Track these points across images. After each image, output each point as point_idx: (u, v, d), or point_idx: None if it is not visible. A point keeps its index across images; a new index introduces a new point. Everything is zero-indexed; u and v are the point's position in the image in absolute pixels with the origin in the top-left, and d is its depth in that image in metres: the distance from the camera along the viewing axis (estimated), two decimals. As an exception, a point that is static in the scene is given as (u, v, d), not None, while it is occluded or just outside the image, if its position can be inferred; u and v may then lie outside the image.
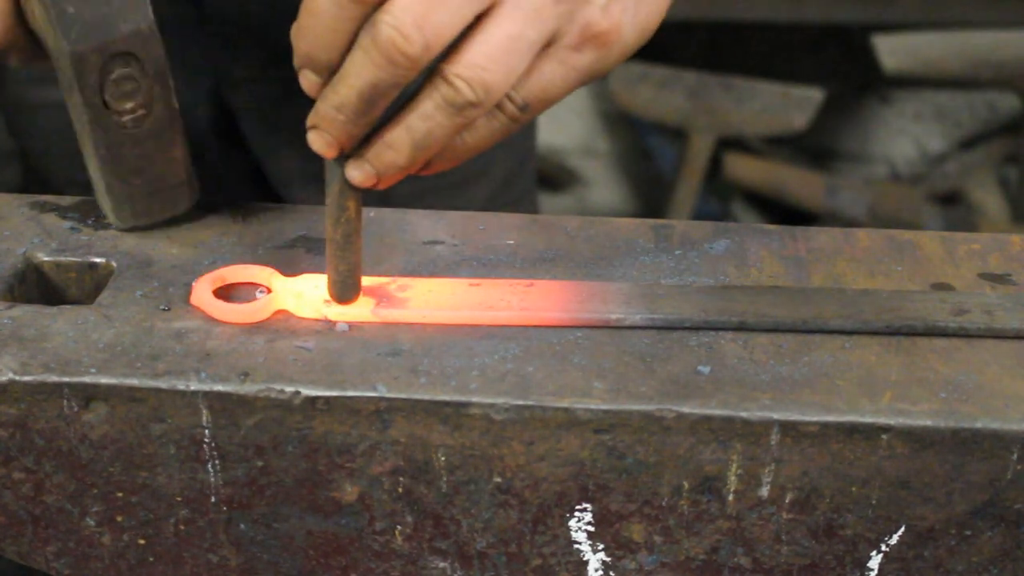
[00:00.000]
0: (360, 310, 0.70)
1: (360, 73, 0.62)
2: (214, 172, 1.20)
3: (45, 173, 1.19)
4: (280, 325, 0.69)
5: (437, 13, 0.60)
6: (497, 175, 1.22)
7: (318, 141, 0.65)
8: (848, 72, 3.00)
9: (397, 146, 0.64)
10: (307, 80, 0.64)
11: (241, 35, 1.11)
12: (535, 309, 0.70)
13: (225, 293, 0.72)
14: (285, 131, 1.16)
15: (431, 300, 0.71)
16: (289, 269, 0.74)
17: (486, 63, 0.62)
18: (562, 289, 0.72)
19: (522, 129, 1.02)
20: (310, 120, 0.65)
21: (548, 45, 0.65)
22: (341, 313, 0.70)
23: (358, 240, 0.68)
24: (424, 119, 0.64)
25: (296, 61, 0.64)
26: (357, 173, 0.65)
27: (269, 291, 0.72)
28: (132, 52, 0.72)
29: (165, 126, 0.75)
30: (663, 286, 0.73)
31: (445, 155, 0.67)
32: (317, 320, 0.70)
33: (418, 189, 1.16)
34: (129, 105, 0.73)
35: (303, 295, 0.71)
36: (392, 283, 0.73)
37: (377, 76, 0.61)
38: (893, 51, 2.69)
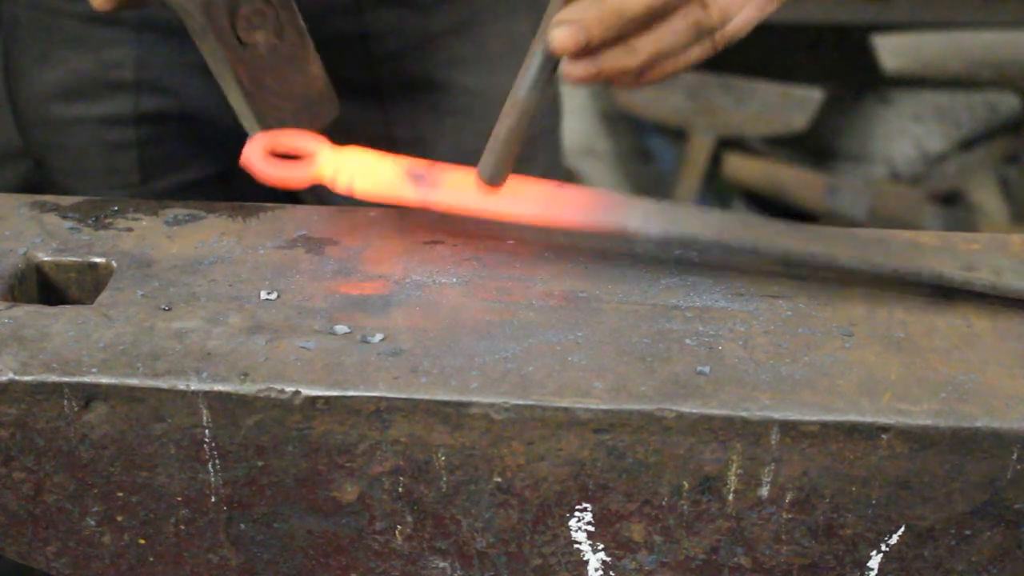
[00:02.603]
0: (395, 189, 0.75)
1: None
2: (242, 182, 1.20)
3: (71, 192, 1.19)
4: (281, 324, 0.69)
5: None
6: (541, 161, 1.24)
7: (568, 37, 0.67)
8: (848, 72, 2.99)
9: (639, 52, 0.69)
10: (569, 34, 0.67)
11: None
12: (559, 209, 0.74)
13: (276, 158, 0.77)
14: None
15: (464, 188, 0.74)
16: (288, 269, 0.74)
17: None
18: (589, 195, 0.75)
19: (555, 116, 1.05)
20: (569, 15, 0.67)
21: None
22: (372, 190, 0.75)
23: (527, 131, 0.72)
24: (673, 35, 0.69)
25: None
26: (580, 70, 0.69)
27: (316, 158, 0.77)
28: None
29: (298, 48, 0.78)
30: (684, 207, 0.77)
31: (658, 80, 0.71)
32: (346, 194, 0.76)
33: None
34: (262, 36, 0.76)
35: (345, 168, 0.75)
36: (430, 166, 0.76)
37: None
38: (893, 51, 2.69)
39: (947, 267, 0.71)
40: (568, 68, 0.69)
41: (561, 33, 0.67)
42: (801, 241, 0.72)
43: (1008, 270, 0.72)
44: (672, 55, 0.70)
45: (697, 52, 0.71)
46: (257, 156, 0.76)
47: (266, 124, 0.79)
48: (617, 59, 0.69)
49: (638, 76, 0.71)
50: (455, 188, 0.74)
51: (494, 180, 0.73)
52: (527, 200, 0.74)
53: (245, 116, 0.81)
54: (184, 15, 0.77)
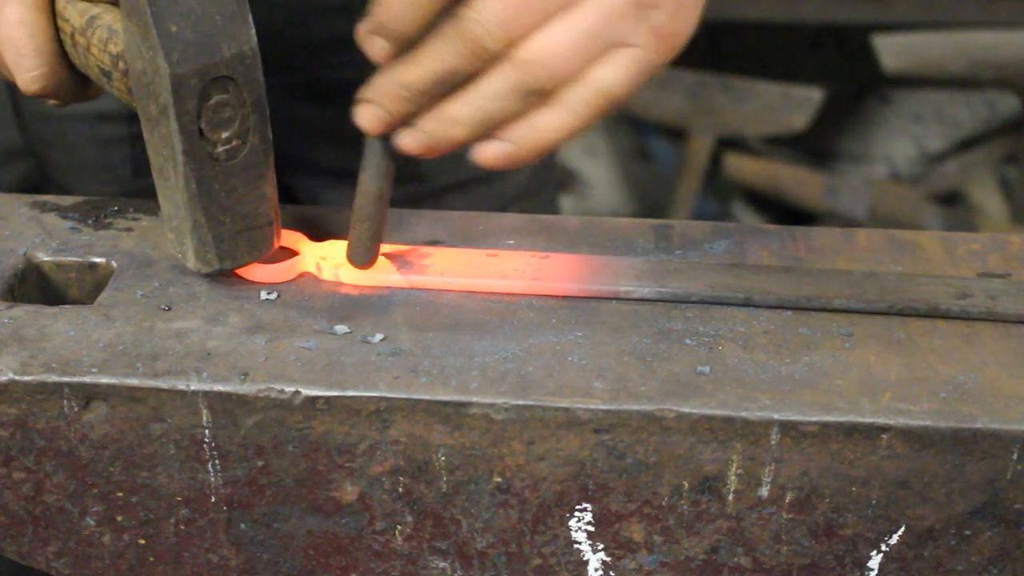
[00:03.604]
0: (380, 275, 0.73)
1: (439, 58, 0.64)
2: None
3: (66, 184, 1.19)
4: (281, 324, 0.69)
5: (522, 16, 0.64)
6: (529, 164, 1.24)
7: (369, 116, 0.66)
8: (848, 72, 3.00)
9: (461, 121, 0.66)
10: (377, 46, 0.65)
11: (266, 39, 1.11)
12: (547, 280, 0.73)
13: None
14: (310, 132, 1.16)
15: (450, 268, 0.74)
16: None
17: (562, 53, 0.65)
18: (575, 262, 0.75)
19: None
20: (365, 94, 0.66)
21: (623, 44, 0.67)
22: (359, 278, 0.73)
23: (384, 212, 0.71)
24: (494, 100, 0.66)
25: (369, 26, 0.65)
26: (410, 141, 0.67)
27: (297, 254, 0.75)
28: (232, 77, 0.67)
29: (259, 159, 0.70)
30: (674, 262, 0.76)
31: (535, 151, 0.68)
32: (337, 283, 0.73)
33: (462, 178, 1.17)
34: (224, 135, 0.68)
35: (328, 259, 0.74)
36: (413, 251, 0.76)
37: (455, 64, 0.64)
38: (893, 51, 2.69)
39: (941, 297, 0.71)
40: (398, 140, 0.67)
41: (361, 112, 0.66)
42: (794, 286, 0.72)
43: (1003, 294, 0.72)
44: (519, 123, 0.67)
45: (572, 122, 0.67)
46: None
47: (199, 237, 0.70)
48: (442, 131, 0.66)
49: (508, 160, 0.68)
50: (442, 268, 0.74)
51: (356, 260, 0.72)
52: (516, 273, 0.73)
53: (177, 221, 0.71)
54: (142, 94, 0.68)
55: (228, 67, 0.67)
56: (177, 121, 0.66)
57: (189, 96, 0.66)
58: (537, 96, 0.66)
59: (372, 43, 0.65)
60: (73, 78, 0.78)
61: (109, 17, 0.73)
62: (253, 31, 0.68)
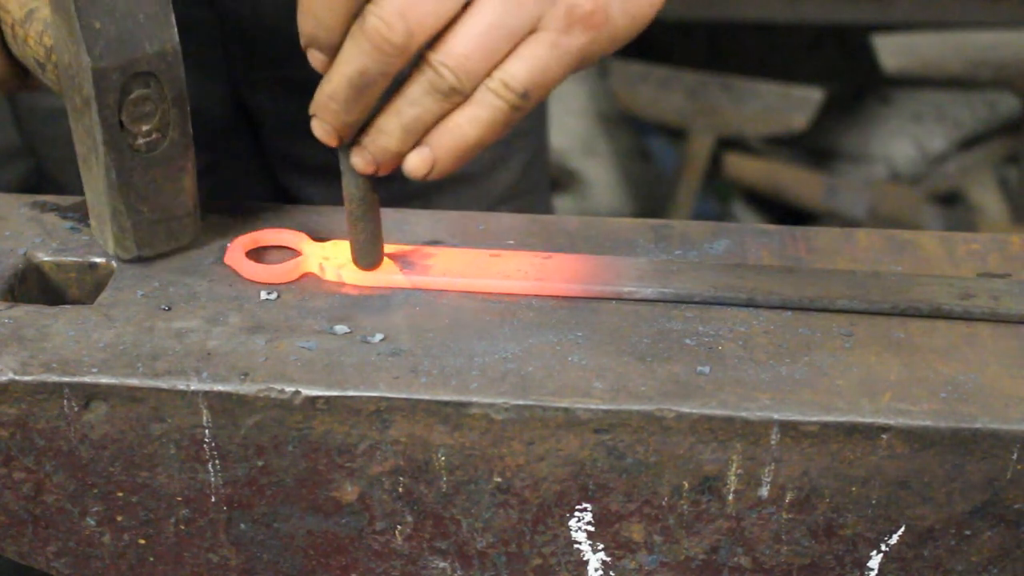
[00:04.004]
0: (383, 275, 0.73)
1: (349, 61, 0.65)
2: (229, 173, 1.20)
3: (62, 181, 1.19)
4: (281, 324, 0.69)
5: (422, 4, 0.63)
6: (516, 164, 1.23)
7: (318, 129, 0.68)
8: (848, 72, 3.00)
9: (388, 131, 0.67)
10: (314, 58, 0.66)
11: (257, 35, 1.10)
12: (550, 280, 0.73)
13: (257, 256, 0.76)
14: (303, 129, 1.16)
15: (453, 268, 0.74)
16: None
17: (468, 51, 0.65)
18: (578, 262, 0.75)
19: (536, 118, 0.97)
20: (311, 108, 0.67)
21: (535, 30, 0.66)
22: (362, 278, 0.73)
23: (376, 212, 0.72)
24: (412, 104, 0.66)
25: (302, 40, 0.66)
26: (359, 160, 0.68)
27: (300, 254, 0.76)
28: (154, 73, 0.70)
29: (178, 152, 0.73)
30: (676, 262, 0.76)
31: (454, 152, 0.68)
32: (339, 284, 0.73)
33: (444, 179, 1.17)
34: (145, 128, 0.71)
35: (331, 259, 0.74)
36: (416, 251, 0.76)
37: (364, 64, 0.64)
38: (893, 51, 2.69)
39: (944, 297, 0.71)
40: (352, 161, 0.68)
41: (312, 126, 0.67)
42: (797, 287, 0.72)
43: (1006, 294, 0.72)
44: (432, 122, 0.67)
45: (493, 118, 0.66)
46: (239, 257, 0.74)
47: (119, 224, 0.73)
48: (376, 141, 0.67)
49: (428, 166, 0.68)
50: (445, 269, 0.74)
51: (360, 262, 0.73)
52: (518, 274, 0.73)
53: (98, 209, 0.74)
54: (68, 86, 0.71)
55: (149, 63, 0.69)
56: (99, 113, 0.69)
57: (110, 90, 0.69)
58: (455, 97, 0.66)
59: (311, 57, 0.66)
60: (12, 67, 0.79)
61: (46, 11, 0.74)
62: (175, 30, 0.70)
